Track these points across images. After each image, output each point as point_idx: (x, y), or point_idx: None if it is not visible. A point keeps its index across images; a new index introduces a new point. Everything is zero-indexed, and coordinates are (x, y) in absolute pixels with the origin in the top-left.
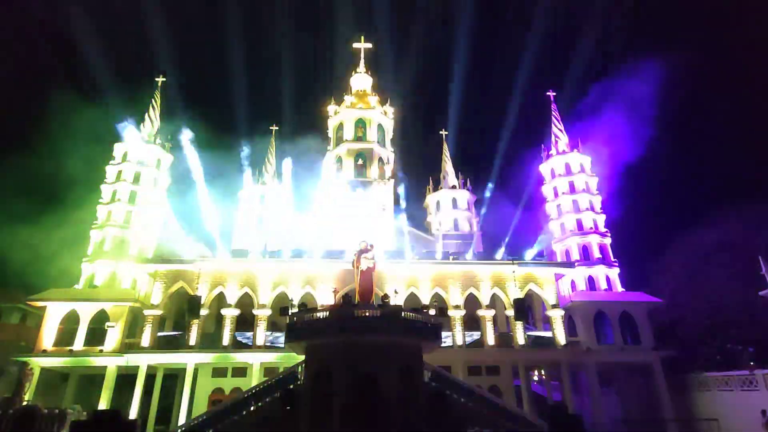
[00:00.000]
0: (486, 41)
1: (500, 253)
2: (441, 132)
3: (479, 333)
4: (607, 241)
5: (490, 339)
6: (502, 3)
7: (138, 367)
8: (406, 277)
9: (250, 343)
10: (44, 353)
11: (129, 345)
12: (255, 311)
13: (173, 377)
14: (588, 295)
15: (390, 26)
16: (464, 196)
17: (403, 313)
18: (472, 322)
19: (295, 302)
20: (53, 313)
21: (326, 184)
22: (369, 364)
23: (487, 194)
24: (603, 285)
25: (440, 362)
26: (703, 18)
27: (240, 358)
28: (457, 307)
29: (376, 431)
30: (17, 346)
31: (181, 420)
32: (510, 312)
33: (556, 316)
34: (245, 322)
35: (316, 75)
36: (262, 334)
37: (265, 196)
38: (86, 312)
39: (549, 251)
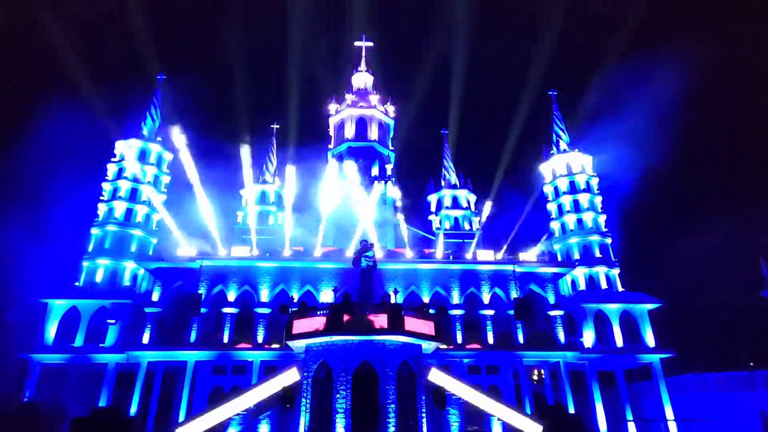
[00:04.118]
0: (488, 39)
1: (501, 252)
2: (442, 131)
3: (479, 332)
4: (608, 240)
5: (490, 338)
6: (505, 1)
7: (138, 364)
8: (406, 276)
9: (250, 342)
10: (45, 350)
11: (129, 342)
12: (255, 309)
13: (173, 375)
14: (588, 295)
15: (391, 25)
16: (465, 195)
17: (403, 312)
18: (472, 321)
19: (296, 301)
20: (54, 310)
21: (327, 182)
22: (369, 363)
23: (488, 193)
24: (603, 285)
25: (440, 361)
26: (712, 17)
27: (240, 356)
28: (457, 306)
29: (375, 430)
30: (18, 342)
31: (181, 417)
32: (510, 312)
33: (557, 315)
34: (245, 320)
35: (317, 73)
36: (262, 333)
37: (266, 194)
38: (87, 309)
39: (549, 251)
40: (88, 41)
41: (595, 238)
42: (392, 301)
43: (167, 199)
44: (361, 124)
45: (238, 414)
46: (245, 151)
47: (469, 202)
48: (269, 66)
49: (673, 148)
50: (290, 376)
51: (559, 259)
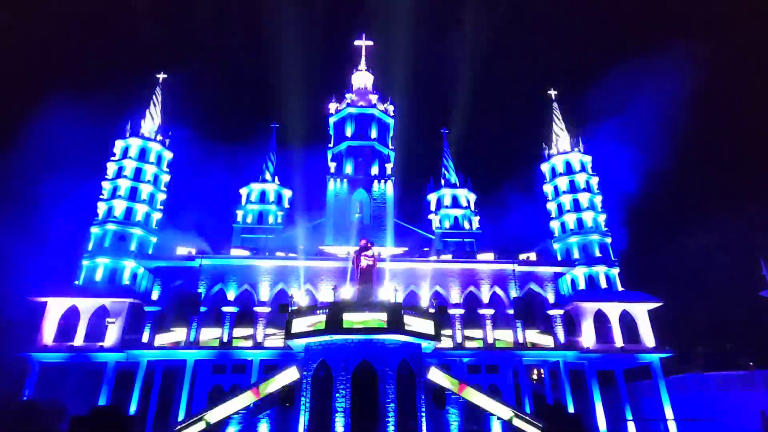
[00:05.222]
0: (489, 38)
1: (500, 251)
2: (442, 130)
3: (479, 331)
4: (608, 240)
5: (490, 338)
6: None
7: (138, 363)
8: (405, 276)
9: (249, 341)
10: (44, 349)
11: (129, 341)
12: (255, 308)
13: (173, 374)
14: (588, 294)
15: (392, 24)
16: (465, 194)
17: (402, 312)
18: (471, 320)
19: (295, 300)
20: (53, 309)
21: (326, 181)
22: (368, 362)
23: (488, 193)
24: (603, 284)
25: (440, 360)
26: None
27: (239, 355)
28: (456, 305)
29: (375, 429)
30: (17, 341)
31: (181, 416)
32: (510, 311)
33: (556, 315)
34: (245, 319)
35: (317, 73)
36: (261, 332)
37: (266, 193)
38: (86, 307)
39: (549, 250)
40: (88, 40)
41: (595, 237)
42: (392, 300)
43: (167, 197)
44: (361, 123)
45: (237, 413)
46: (245, 150)
47: (468, 202)
48: (270, 65)
49: (673, 147)
50: (290, 376)
51: (559, 258)
